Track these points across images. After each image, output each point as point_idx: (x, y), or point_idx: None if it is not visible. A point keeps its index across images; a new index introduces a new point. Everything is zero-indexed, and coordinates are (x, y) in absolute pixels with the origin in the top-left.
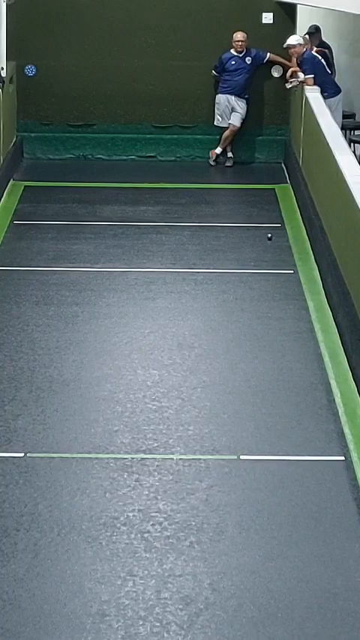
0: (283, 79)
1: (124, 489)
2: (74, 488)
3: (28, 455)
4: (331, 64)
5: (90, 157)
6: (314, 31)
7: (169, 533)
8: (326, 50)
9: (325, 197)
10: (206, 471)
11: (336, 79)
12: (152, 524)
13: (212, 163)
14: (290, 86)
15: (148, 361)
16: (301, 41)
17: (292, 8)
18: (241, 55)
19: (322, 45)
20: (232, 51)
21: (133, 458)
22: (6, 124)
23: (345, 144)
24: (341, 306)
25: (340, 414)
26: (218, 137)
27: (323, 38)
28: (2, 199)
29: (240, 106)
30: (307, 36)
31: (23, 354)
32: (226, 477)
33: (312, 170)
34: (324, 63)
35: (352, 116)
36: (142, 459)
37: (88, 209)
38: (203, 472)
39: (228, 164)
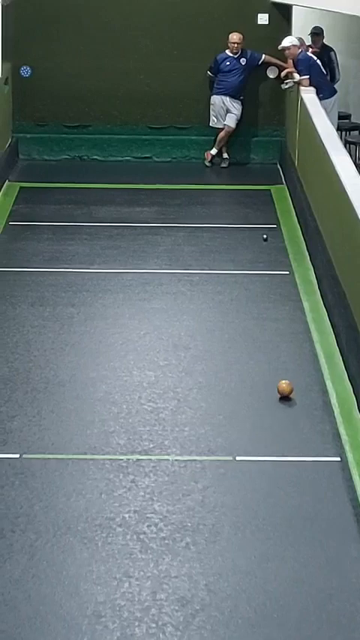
0: (279, 79)
1: (120, 490)
2: (70, 490)
3: (23, 456)
4: (334, 67)
5: (85, 158)
6: (320, 32)
7: (164, 535)
8: (332, 53)
9: (320, 198)
10: (202, 472)
11: (339, 83)
12: (148, 526)
13: (208, 164)
14: (286, 87)
15: (144, 362)
16: (297, 42)
17: (288, 9)
18: (236, 56)
19: (325, 48)
20: (227, 52)
21: (128, 459)
22: (1, 124)
23: (340, 145)
24: (337, 306)
25: (335, 414)
26: (214, 138)
27: (327, 40)
28: None
29: (235, 107)
30: (308, 36)
31: (19, 355)
32: (221, 478)
33: (307, 171)
34: (319, 64)
35: (348, 117)
36: (138, 460)
37: (83, 210)
38: (199, 473)
39: (223, 165)
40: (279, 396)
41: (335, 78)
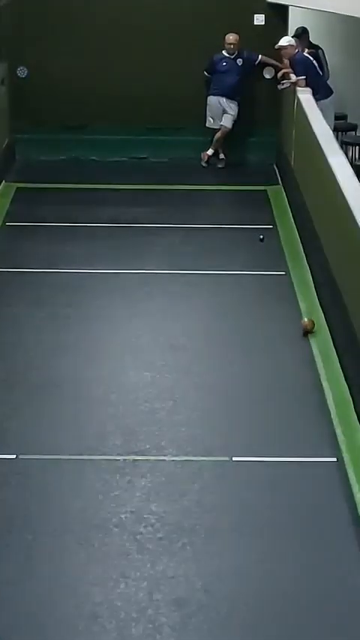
0: (275, 80)
1: (117, 491)
2: (66, 490)
3: (20, 456)
4: (322, 66)
5: (82, 158)
6: (301, 33)
7: (161, 535)
8: (319, 51)
9: (316, 198)
10: (199, 472)
11: (335, 84)
12: (145, 526)
13: (204, 165)
14: (282, 88)
15: (141, 363)
16: (293, 42)
17: (284, 9)
18: (232, 57)
19: (312, 47)
20: (224, 52)
21: (125, 459)
22: None
23: (337, 145)
24: (333, 307)
25: (332, 415)
26: (210, 139)
27: (323, 41)
28: None
29: (231, 107)
30: (294, 38)
31: (15, 356)
32: (218, 478)
33: (304, 171)
34: (316, 65)
35: (344, 117)
36: (135, 460)
37: (80, 210)
38: (196, 474)
39: (220, 165)
40: (304, 330)
41: (324, 77)
